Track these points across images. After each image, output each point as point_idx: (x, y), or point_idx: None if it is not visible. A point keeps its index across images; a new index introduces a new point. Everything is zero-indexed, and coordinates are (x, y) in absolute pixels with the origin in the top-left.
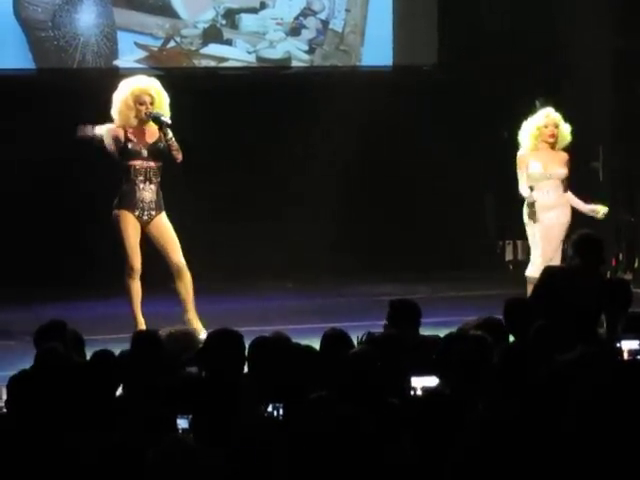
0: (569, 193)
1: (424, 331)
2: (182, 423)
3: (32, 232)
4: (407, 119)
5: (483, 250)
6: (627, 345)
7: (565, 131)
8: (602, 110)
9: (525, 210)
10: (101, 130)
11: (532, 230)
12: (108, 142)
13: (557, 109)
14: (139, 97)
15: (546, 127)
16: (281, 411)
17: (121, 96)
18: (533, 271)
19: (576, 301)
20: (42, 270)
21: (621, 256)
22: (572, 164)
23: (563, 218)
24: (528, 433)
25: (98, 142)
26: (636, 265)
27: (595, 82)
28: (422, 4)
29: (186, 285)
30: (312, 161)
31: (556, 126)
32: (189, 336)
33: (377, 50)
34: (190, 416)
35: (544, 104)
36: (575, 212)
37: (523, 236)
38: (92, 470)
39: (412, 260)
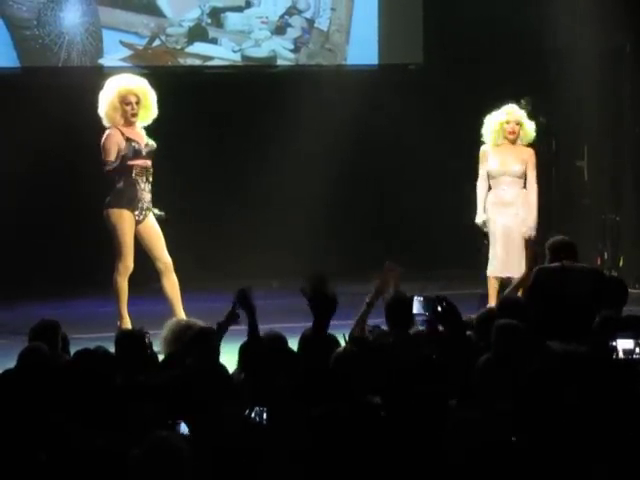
0: (530, 194)
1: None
2: (183, 428)
3: (16, 230)
4: (392, 118)
5: (466, 249)
6: (622, 344)
7: (529, 128)
8: (588, 109)
9: (486, 210)
10: (111, 155)
11: (492, 228)
12: (111, 150)
13: (544, 108)
14: (125, 97)
15: (507, 123)
16: (264, 415)
17: (107, 96)
18: (492, 270)
19: (571, 299)
20: (25, 269)
21: (606, 255)
22: (558, 163)
23: (523, 214)
24: (519, 432)
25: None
26: (621, 264)
27: (581, 82)
28: (407, 3)
29: (172, 284)
30: (297, 160)
31: (517, 123)
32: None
33: (362, 49)
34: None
35: (529, 103)
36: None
37: None
38: (77, 469)
39: (397, 259)
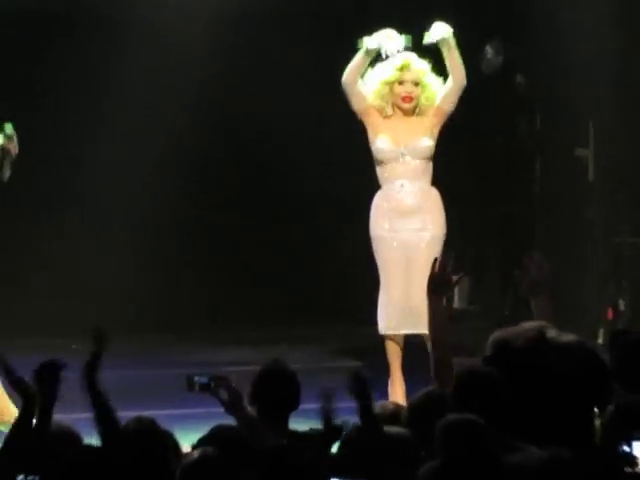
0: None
1: None
2: None
3: None
4: None
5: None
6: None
7: (432, 88)
8: (597, 74)
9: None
10: None
11: (382, 254)
12: None
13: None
14: None
15: (400, 84)
16: None
17: None
18: (385, 327)
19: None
20: None
21: (622, 305)
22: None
23: (433, 229)
24: None
25: None
26: None
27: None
28: None
29: None
30: None
31: (416, 84)
32: None
33: None
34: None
35: (497, 49)
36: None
37: None
38: None
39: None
